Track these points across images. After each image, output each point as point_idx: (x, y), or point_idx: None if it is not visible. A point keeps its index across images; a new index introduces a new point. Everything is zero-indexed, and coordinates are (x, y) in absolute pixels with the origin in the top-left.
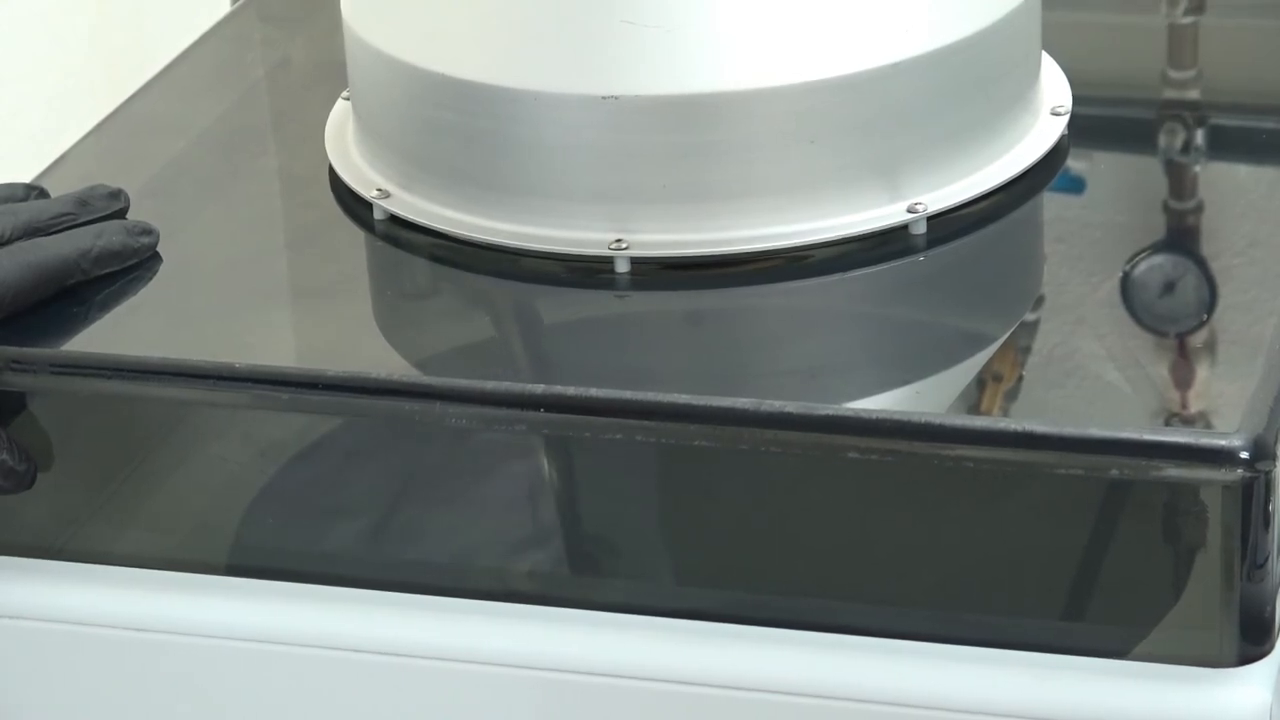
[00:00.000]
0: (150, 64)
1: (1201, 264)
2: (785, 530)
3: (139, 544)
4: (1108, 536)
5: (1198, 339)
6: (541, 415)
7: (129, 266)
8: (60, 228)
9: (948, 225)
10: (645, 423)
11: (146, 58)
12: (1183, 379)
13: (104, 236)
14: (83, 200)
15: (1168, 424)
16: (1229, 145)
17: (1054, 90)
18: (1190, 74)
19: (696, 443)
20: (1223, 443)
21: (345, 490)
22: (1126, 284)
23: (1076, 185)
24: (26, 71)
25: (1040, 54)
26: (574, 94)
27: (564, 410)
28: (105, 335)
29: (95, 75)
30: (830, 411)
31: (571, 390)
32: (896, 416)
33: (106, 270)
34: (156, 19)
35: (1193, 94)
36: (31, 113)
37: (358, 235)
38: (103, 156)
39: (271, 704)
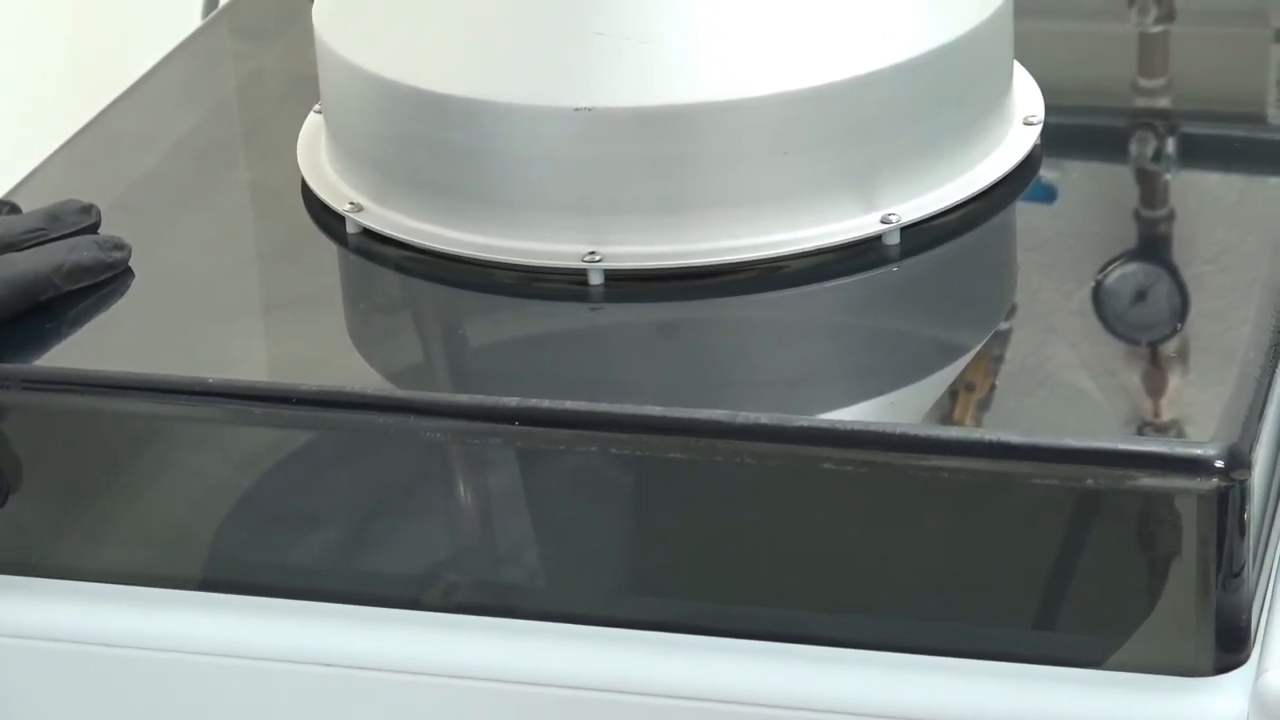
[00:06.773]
0: (126, 81)
1: (1173, 272)
2: (759, 542)
3: (112, 560)
4: (1083, 546)
5: (1171, 347)
6: (516, 428)
7: (101, 281)
8: (32, 243)
9: (921, 235)
10: (620, 435)
11: (122, 74)
12: (1156, 388)
13: (76, 251)
14: (54, 215)
15: (1141, 433)
16: (1200, 153)
17: (1026, 100)
18: (1161, 82)
19: (671, 455)
20: (1197, 452)
21: (321, 504)
22: (1099, 293)
23: (1049, 194)
24: (1, 87)
25: (1012, 64)
26: (546, 106)
27: (538, 423)
28: (78, 350)
29: (71, 93)
30: (804, 423)
31: (546, 403)
32: (871, 427)
33: (78, 285)
34: (132, 36)
35: (1163, 102)
36: (4, 129)
37: (331, 249)
38: (74, 171)
39: (246, 718)
